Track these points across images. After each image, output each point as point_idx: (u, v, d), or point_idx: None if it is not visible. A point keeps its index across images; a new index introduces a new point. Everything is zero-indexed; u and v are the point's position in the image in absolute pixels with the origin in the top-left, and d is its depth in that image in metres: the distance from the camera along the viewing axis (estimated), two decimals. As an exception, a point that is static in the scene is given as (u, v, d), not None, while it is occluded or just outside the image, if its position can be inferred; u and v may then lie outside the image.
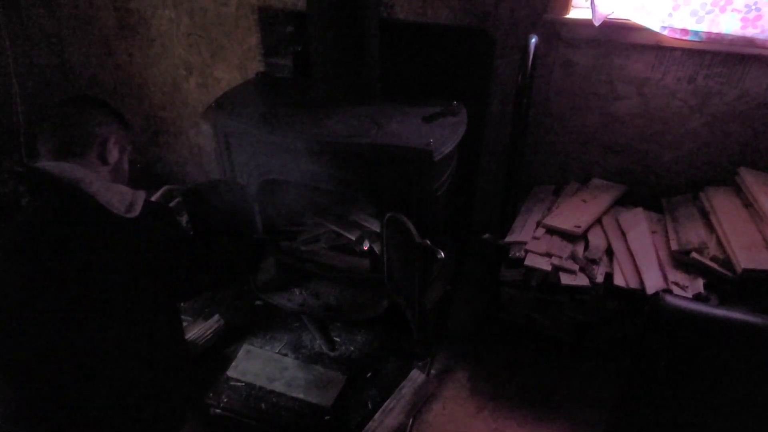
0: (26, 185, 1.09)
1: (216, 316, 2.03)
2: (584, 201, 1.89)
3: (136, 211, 1.13)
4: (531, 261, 1.70)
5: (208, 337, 1.95)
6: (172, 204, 1.62)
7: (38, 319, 1.07)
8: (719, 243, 1.61)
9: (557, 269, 1.67)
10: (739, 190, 1.77)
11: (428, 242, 1.50)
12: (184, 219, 1.63)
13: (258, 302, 2.11)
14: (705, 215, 1.74)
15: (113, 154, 1.24)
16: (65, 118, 1.20)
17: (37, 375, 1.10)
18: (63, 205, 1.08)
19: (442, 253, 1.49)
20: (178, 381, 1.33)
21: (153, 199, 1.57)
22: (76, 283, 1.07)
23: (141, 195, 1.18)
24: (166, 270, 1.19)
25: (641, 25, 1.63)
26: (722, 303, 1.53)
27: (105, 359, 1.13)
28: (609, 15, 1.64)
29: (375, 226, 1.98)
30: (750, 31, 1.56)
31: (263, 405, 1.78)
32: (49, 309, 1.07)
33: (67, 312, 1.07)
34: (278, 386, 1.83)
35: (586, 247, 1.74)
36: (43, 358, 1.09)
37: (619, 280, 1.62)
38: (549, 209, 1.90)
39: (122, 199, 1.13)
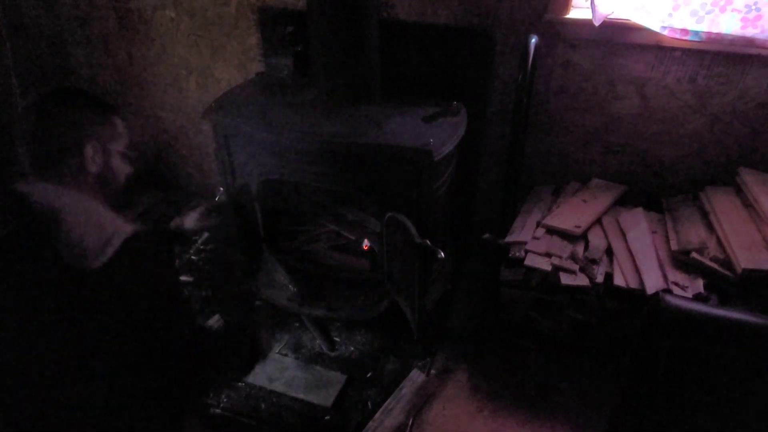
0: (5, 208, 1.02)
1: (216, 316, 2.03)
2: (584, 201, 1.89)
3: (107, 254, 1.00)
4: (531, 261, 1.69)
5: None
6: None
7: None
8: (719, 243, 1.61)
9: (557, 269, 1.67)
10: (739, 190, 1.77)
11: (428, 242, 1.50)
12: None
13: (258, 302, 2.11)
14: (705, 215, 1.74)
15: (96, 161, 1.10)
16: (40, 122, 1.07)
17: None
18: (24, 240, 1.00)
19: (442, 253, 1.49)
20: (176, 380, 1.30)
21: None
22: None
23: (122, 233, 1.04)
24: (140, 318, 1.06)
25: (641, 25, 1.63)
26: (722, 303, 1.53)
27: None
28: (609, 15, 1.64)
29: (375, 226, 1.98)
30: (750, 31, 1.56)
31: (263, 405, 1.78)
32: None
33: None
34: (278, 386, 1.83)
35: (586, 247, 1.74)
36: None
37: (619, 280, 1.62)
38: (549, 209, 1.90)
39: (98, 236, 1.01)
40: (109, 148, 1.14)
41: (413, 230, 1.53)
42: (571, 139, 1.99)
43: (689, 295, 1.52)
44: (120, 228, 1.05)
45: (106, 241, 1.01)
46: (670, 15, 1.61)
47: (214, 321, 2.00)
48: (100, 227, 1.03)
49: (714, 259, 1.57)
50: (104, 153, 1.13)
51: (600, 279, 1.64)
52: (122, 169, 1.19)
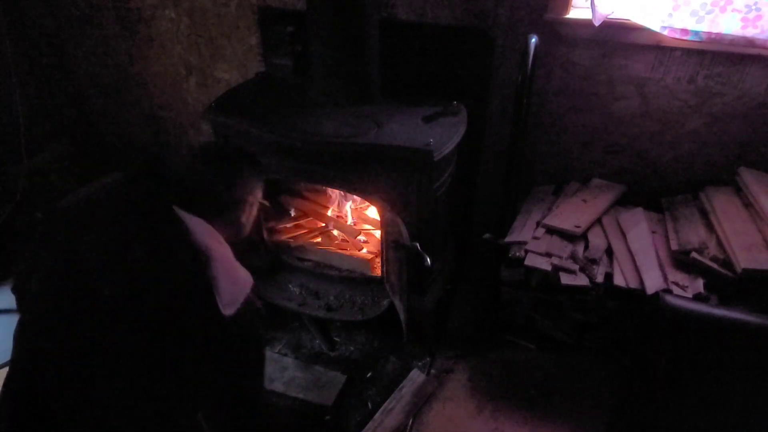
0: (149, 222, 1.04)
1: None
2: (584, 201, 1.89)
3: (234, 307, 1.07)
4: (531, 261, 1.69)
5: None
6: None
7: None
8: (719, 243, 1.61)
9: (557, 269, 1.67)
10: (739, 190, 1.77)
11: (417, 245, 1.50)
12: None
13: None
14: (705, 215, 1.74)
15: (250, 220, 1.19)
16: (215, 171, 1.16)
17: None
18: (181, 277, 1.03)
19: (429, 260, 1.50)
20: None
21: None
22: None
23: (248, 286, 1.11)
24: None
25: (641, 25, 1.63)
26: (722, 303, 1.53)
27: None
28: (609, 15, 1.64)
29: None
30: (750, 31, 1.56)
31: (263, 405, 1.78)
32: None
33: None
34: (278, 386, 1.83)
35: (586, 247, 1.74)
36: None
37: (619, 280, 1.62)
38: (549, 209, 1.90)
39: (232, 290, 1.07)
40: (255, 203, 1.22)
41: (404, 232, 1.53)
42: (571, 139, 1.99)
43: (689, 295, 1.52)
44: (247, 282, 1.11)
45: (237, 292, 1.07)
46: (670, 15, 1.61)
47: None
48: (234, 283, 1.08)
49: (714, 259, 1.57)
50: (253, 208, 1.21)
51: (600, 279, 1.64)
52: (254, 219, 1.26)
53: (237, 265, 1.13)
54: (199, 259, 1.03)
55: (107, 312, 1.02)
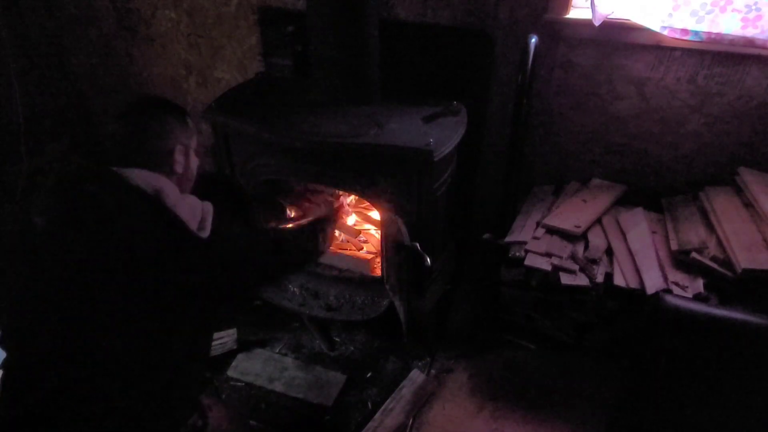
0: (99, 187, 1.07)
1: (232, 331, 2.00)
2: (584, 201, 1.89)
3: (207, 230, 1.12)
4: (531, 261, 1.69)
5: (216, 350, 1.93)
6: None
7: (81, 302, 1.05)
8: (719, 243, 1.61)
9: (557, 269, 1.67)
10: (739, 190, 1.77)
11: (417, 245, 1.50)
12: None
13: (258, 302, 2.11)
14: (705, 215, 1.74)
15: (179, 162, 1.23)
16: (136, 126, 1.20)
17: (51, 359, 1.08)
18: (146, 217, 1.07)
19: (429, 260, 1.50)
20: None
21: None
22: (141, 288, 1.05)
23: (209, 210, 1.17)
24: (232, 287, 1.22)
25: (641, 25, 1.63)
26: (722, 303, 1.53)
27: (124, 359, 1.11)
28: (609, 15, 1.64)
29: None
30: (750, 31, 1.56)
31: (263, 405, 1.78)
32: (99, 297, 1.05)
33: (111, 304, 1.05)
34: (278, 386, 1.83)
35: (586, 247, 1.74)
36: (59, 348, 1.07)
37: (619, 280, 1.62)
38: (549, 209, 1.90)
39: (194, 214, 1.12)
40: (189, 149, 1.27)
41: (404, 232, 1.53)
42: (571, 139, 1.99)
43: (689, 295, 1.52)
44: (207, 206, 1.17)
45: (201, 219, 1.13)
46: (670, 15, 1.61)
47: (228, 335, 1.99)
48: (192, 208, 1.14)
49: (714, 259, 1.57)
50: (185, 155, 1.25)
51: (600, 279, 1.64)
52: (195, 162, 1.32)
53: (188, 195, 1.20)
54: (151, 196, 1.09)
55: (91, 277, 1.04)
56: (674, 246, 1.65)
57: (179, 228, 1.08)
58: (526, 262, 1.69)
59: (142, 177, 1.11)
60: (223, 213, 1.25)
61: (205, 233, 1.12)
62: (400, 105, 1.78)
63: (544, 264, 1.68)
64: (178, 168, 1.23)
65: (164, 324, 1.11)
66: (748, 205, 1.70)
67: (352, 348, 1.99)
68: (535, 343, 1.95)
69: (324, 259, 2.03)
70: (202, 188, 1.45)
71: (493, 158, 2.10)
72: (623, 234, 1.76)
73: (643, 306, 1.57)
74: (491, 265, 1.88)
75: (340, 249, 2.08)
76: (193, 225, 1.11)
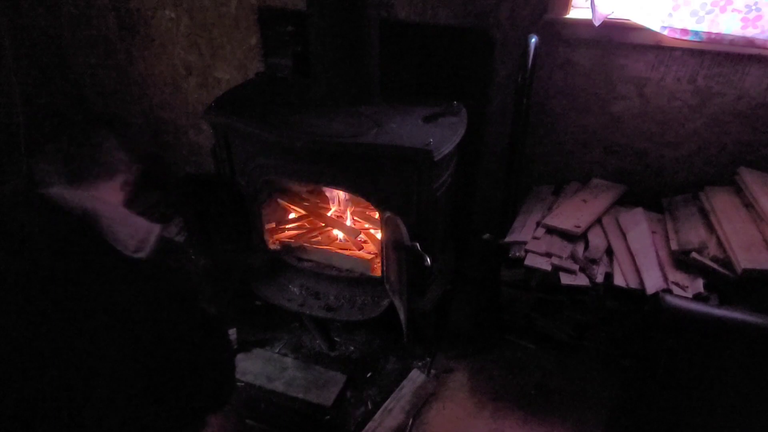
0: (36, 212, 1.05)
1: (232, 330, 1.98)
2: (584, 201, 1.89)
3: (146, 250, 1.08)
4: (531, 261, 1.69)
5: None
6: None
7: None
8: (719, 243, 1.61)
9: (557, 269, 1.67)
10: (739, 190, 1.77)
11: (417, 245, 1.50)
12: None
13: (258, 302, 2.11)
14: (705, 215, 1.74)
15: (128, 189, 1.23)
16: (77, 143, 1.19)
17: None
18: (69, 240, 1.04)
19: (429, 260, 1.50)
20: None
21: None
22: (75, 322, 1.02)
23: (155, 231, 1.13)
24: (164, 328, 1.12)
25: (641, 25, 1.63)
26: (722, 303, 1.53)
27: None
28: (609, 15, 1.64)
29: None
30: (750, 31, 1.56)
31: (263, 405, 1.78)
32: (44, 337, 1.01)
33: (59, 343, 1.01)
34: (278, 386, 1.83)
35: (586, 247, 1.74)
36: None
37: (619, 280, 1.62)
38: (549, 209, 1.90)
39: (133, 234, 1.09)
40: (133, 169, 1.25)
41: (404, 231, 1.53)
42: (571, 139, 1.99)
43: (689, 294, 1.52)
44: (151, 227, 1.13)
45: (143, 238, 1.09)
46: (670, 15, 1.61)
47: (229, 335, 1.98)
48: (134, 227, 1.10)
49: (714, 259, 1.57)
50: (133, 178, 1.24)
51: (600, 279, 1.64)
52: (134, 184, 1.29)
53: (132, 215, 1.15)
54: (80, 222, 1.05)
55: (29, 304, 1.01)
56: (674, 246, 1.65)
57: (107, 249, 1.04)
58: (526, 262, 1.69)
59: (72, 196, 1.08)
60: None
61: (143, 253, 1.07)
62: (400, 105, 1.78)
63: (544, 264, 1.68)
64: (125, 191, 1.22)
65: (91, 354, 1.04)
66: (748, 205, 1.70)
67: (352, 348, 1.99)
68: (535, 343, 1.95)
69: (324, 259, 2.03)
70: (203, 189, 1.45)
71: (493, 158, 2.10)
72: (623, 234, 1.76)
73: (643, 306, 1.57)
74: (491, 265, 1.88)
75: (340, 249, 2.08)
76: (126, 244, 1.06)
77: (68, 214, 1.05)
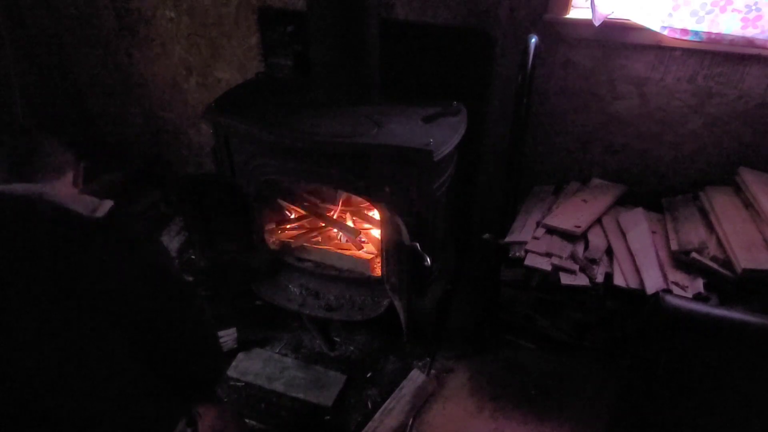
0: None
1: (232, 330, 1.99)
2: (584, 201, 1.89)
3: (103, 210, 1.07)
4: (531, 261, 1.69)
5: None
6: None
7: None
8: (719, 243, 1.61)
9: (557, 269, 1.67)
10: (739, 190, 1.77)
11: (417, 245, 1.50)
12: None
13: (258, 302, 2.11)
14: (705, 215, 1.74)
15: (79, 184, 1.23)
16: (18, 150, 1.17)
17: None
18: (21, 223, 1.01)
19: (429, 260, 1.50)
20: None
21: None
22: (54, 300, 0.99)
23: (107, 202, 1.11)
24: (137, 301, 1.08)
25: (641, 25, 1.63)
26: (722, 303, 1.53)
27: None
28: (609, 15, 1.64)
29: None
30: (750, 31, 1.56)
31: (263, 405, 1.78)
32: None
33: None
34: (278, 386, 1.83)
35: (586, 247, 1.74)
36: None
37: (619, 280, 1.62)
38: (549, 209, 1.90)
39: (86, 205, 1.08)
40: (80, 166, 1.25)
41: (404, 231, 1.53)
42: (571, 139, 1.99)
43: (689, 295, 1.52)
44: (104, 201, 1.11)
45: (94, 207, 1.07)
46: (670, 15, 1.61)
47: (228, 334, 1.98)
48: (85, 202, 1.09)
49: (714, 259, 1.57)
50: (82, 174, 1.24)
51: (600, 279, 1.64)
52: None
53: (82, 195, 1.15)
54: (31, 205, 1.03)
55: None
56: (674, 246, 1.65)
57: (63, 214, 1.03)
58: (526, 262, 1.69)
59: (23, 187, 1.07)
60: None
61: (99, 213, 1.06)
62: (400, 105, 1.78)
63: (544, 264, 1.68)
64: (77, 185, 1.22)
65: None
66: (748, 205, 1.70)
67: (352, 348, 1.99)
68: (535, 343, 1.95)
69: (324, 259, 2.03)
70: (203, 189, 1.43)
71: (493, 158, 2.10)
72: (623, 234, 1.76)
73: (643, 306, 1.57)
74: (491, 265, 1.88)
75: (340, 249, 2.08)
76: (82, 208, 1.05)
77: (17, 200, 1.03)
